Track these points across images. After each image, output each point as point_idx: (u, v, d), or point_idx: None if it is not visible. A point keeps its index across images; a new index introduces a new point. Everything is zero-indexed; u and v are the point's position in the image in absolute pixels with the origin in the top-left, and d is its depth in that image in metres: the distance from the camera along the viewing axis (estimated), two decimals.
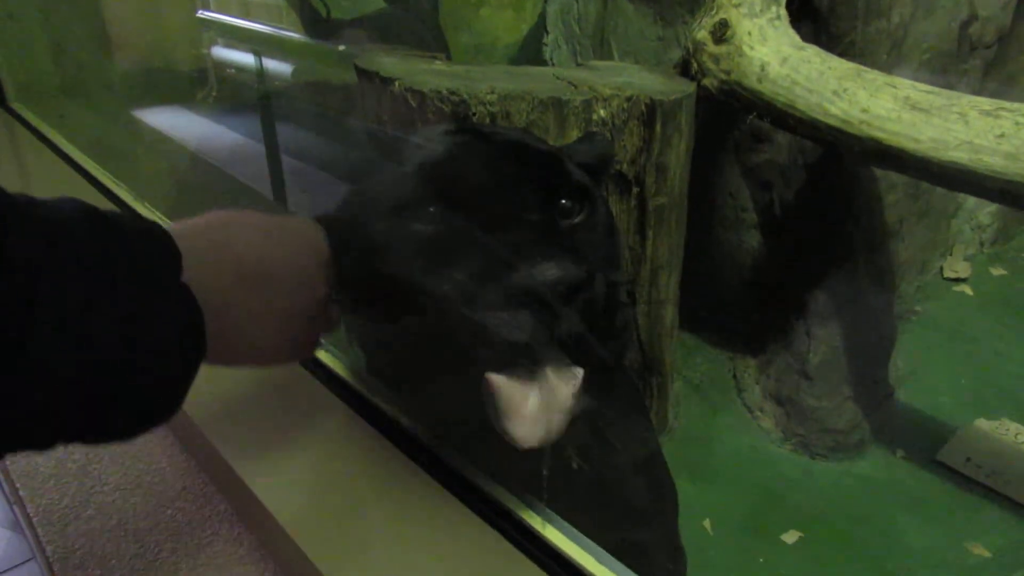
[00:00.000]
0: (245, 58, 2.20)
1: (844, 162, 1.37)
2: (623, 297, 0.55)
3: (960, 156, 0.97)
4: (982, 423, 1.45)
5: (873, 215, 1.45)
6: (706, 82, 1.19)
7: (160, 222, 0.43)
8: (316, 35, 2.05)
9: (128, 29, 1.93)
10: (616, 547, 0.50)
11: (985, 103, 0.99)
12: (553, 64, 1.81)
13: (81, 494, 0.65)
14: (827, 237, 1.44)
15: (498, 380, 0.44)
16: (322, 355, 0.67)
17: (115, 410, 0.38)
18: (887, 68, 1.21)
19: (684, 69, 1.24)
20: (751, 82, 1.14)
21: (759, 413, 1.51)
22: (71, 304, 0.35)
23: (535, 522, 0.50)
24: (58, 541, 0.61)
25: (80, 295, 0.35)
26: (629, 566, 0.48)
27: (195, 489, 0.65)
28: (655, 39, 1.56)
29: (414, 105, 0.96)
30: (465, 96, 0.94)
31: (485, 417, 0.45)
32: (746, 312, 1.62)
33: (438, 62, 1.15)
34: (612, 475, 0.65)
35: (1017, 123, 0.95)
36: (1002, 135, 0.95)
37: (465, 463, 0.55)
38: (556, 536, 0.49)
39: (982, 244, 1.94)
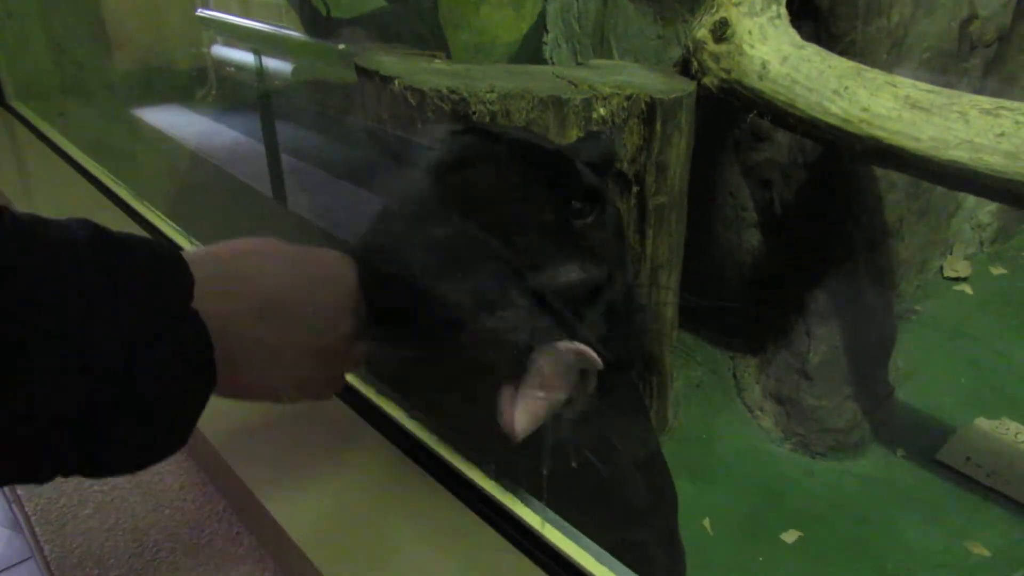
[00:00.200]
0: (245, 57, 2.20)
1: (844, 161, 1.37)
2: (641, 299, 0.54)
3: (960, 155, 0.97)
4: (982, 422, 1.45)
5: (873, 214, 1.45)
6: (706, 81, 1.19)
7: (182, 238, 0.41)
8: (316, 34, 2.05)
9: (128, 28, 1.93)
10: (616, 546, 0.50)
11: (985, 102, 0.99)
12: (553, 63, 1.81)
13: (79, 493, 0.65)
14: (827, 236, 1.44)
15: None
16: None
17: (116, 442, 0.36)
18: (887, 67, 1.21)
19: (684, 68, 1.24)
20: (751, 81, 1.14)
21: (759, 412, 1.51)
22: (71, 329, 0.33)
23: (534, 521, 0.50)
24: (56, 540, 0.61)
25: (80, 320, 0.34)
26: (629, 565, 0.48)
27: (193, 488, 0.65)
28: (655, 38, 1.55)
29: (414, 104, 0.96)
30: (465, 95, 0.93)
31: (489, 417, 0.45)
32: (746, 311, 1.62)
33: (438, 61, 1.15)
34: (612, 474, 0.65)
35: (1017, 122, 0.95)
36: (1002, 134, 0.95)
37: (462, 460, 0.55)
38: (555, 536, 0.49)
39: (982, 243, 1.94)
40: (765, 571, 1.21)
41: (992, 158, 0.95)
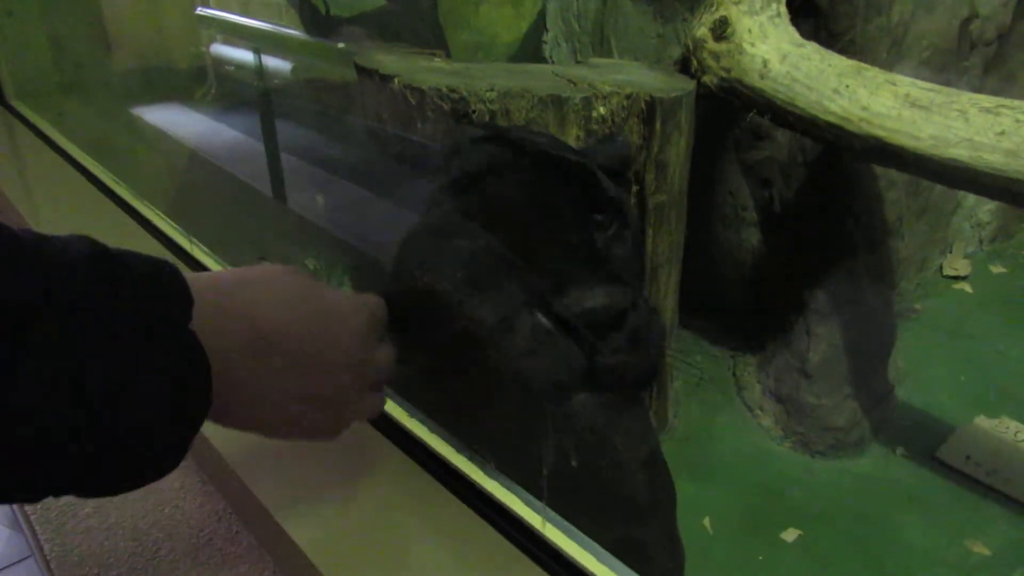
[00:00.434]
0: (244, 56, 2.20)
1: (844, 160, 1.37)
2: (662, 322, 0.55)
3: (960, 153, 0.97)
4: (982, 421, 1.45)
5: (873, 213, 1.45)
6: (706, 79, 1.19)
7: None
8: (315, 32, 2.05)
9: (127, 27, 1.92)
10: (615, 544, 0.50)
11: (985, 100, 0.99)
12: (553, 61, 1.81)
13: None
14: (827, 235, 1.44)
15: None
16: None
17: (107, 464, 0.36)
18: (887, 65, 1.21)
19: (684, 66, 1.24)
20: (751, 79, 1.14)
21: (759, 411, 1.51)
22: (64, 349, 0.33)
23: (535, 521, 0.50)
24: (56, 539, 0.61)
25: (74, 340, 0.33)
26: (628, 563, 0.48)
27: (193, 487, 0.65)
28: (655, 36, 1.55)
29: (413, 102, 0.96)
30: (465, 94, 0.93)
31: (498, 419, 0.45)
32: (746, 310, 1.62)
33: (437, 60, 1.15)
34: (612, 473, 0.65)
35: (1017, 120, 0.95)
36: (1002, 132, 0.95)
37: (463, 460, 0.55)
38: (556, 535, 0.49)
39: (982, 242, 1.94)
40: (765, 570, 1.21)
41: (992, 156, 0.95)
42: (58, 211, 1.08)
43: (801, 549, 1.23)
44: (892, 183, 1.46)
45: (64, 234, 0.37)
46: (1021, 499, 1.28)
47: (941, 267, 1.85)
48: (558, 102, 0.96)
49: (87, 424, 0.34)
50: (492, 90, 0.94)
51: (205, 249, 0.85)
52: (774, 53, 1.13)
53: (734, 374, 1.59)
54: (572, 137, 1.00)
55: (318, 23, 2.04)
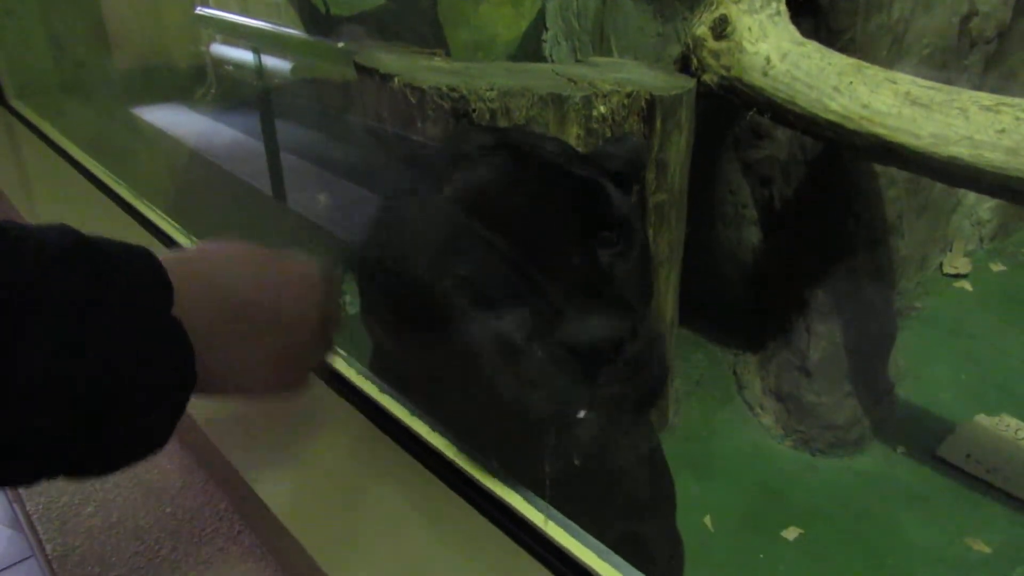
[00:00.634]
0: (244, 55, 2.20)
1: (844, 158, 1.37)
2: (665, 349, 0.55)
3: (960, 151, 0.97)
4: (982, 419, 1.45)
5: (873, 211, 1.45)
6: (706, 78, 1.19)
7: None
8: (315, 32, 2.05)
9: (127, 26, 1.92)
10: (616, 541, 0.50)
11: (986, 98, 0.99)
12: (552, 60, 1.81)
13: (80, 491, 0.65)
14: (827, 233, 1.44)
15: None
16: None
17: (100, 446, 0.37)
18: (887, 64, 1.21)
19: (684, 65, 1.24)
20: (751, 78, 1.14)
21: (759, 410, 1.51)
22: (57, 339, 0.34)
23: (537, 519, 0.50)
24: (58, 539, 0.61)
25: (66, 329, 0.34)
26: (628, 558, 0.48)
27: (195, 486, 0.65)
28: (655, 35, 1.55)
29: (413, 101, 0.96)
30: (464, 93, 0.93)
31: (497, 420, 0.45)
32: (746, 309, 1.62)
33: (437, 59, 1.15)
34: (613, 471, 0.65)
35: (1018, 118, 0.95)
36: (1003, 130, 0.95)
37: (466, 460, 0.55)
38: (558, 532, 0.49)
39: (982, 240, 1.94)
40: (765, 568, 1.21)
41: (992, 154, 0.95)
42: (58, 211, 1.08)
43: (802, 547, 1.23)
44: (892, 181, 1.46)
45: (42, 224, 0.38)
46: (1021, 497, 1.28)
47: (941, 265, 1.85)
48: (558, 101, 0.96)
49: (78, 408, 0.35)
50: (492, 89, 0.94)
51: None
52: (774, 51, 1.13)
53: (734, 372, 1.59)
54: (572, 136, 1.00)
55: (318, 22, 2.04)
